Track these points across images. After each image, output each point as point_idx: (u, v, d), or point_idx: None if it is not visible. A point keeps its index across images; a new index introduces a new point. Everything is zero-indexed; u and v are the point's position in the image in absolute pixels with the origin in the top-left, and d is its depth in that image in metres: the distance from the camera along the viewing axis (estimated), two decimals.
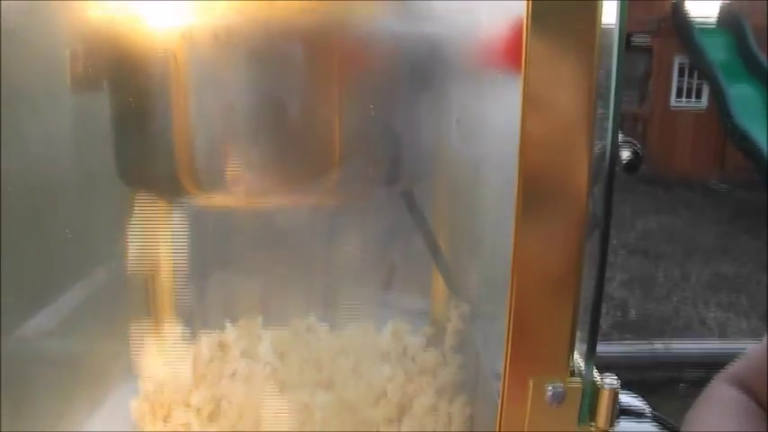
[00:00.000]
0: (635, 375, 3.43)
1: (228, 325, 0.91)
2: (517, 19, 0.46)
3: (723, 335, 4.22)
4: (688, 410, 0.92)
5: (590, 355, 0.44)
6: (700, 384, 0.91)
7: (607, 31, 0.47)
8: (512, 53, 0.48)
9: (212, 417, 0.80)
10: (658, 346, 3.85)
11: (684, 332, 4.20)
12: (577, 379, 0.43)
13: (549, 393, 0.42)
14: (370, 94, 0.56)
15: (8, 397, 0.65)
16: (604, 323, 4.04)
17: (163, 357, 0.87)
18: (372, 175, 0.59)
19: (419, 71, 0.58)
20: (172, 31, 0.52)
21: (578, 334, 0.44)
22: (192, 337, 0.91)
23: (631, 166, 0.62)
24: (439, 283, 0.92)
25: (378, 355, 0.86)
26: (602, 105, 0.46)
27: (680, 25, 7.75)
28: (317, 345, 0.88)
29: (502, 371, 0.43)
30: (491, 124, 0.66)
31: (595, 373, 0.44)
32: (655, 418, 1.05)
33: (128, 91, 0.60)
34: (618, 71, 0.46)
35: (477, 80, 0.65)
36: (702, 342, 3.99)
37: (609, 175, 0.46)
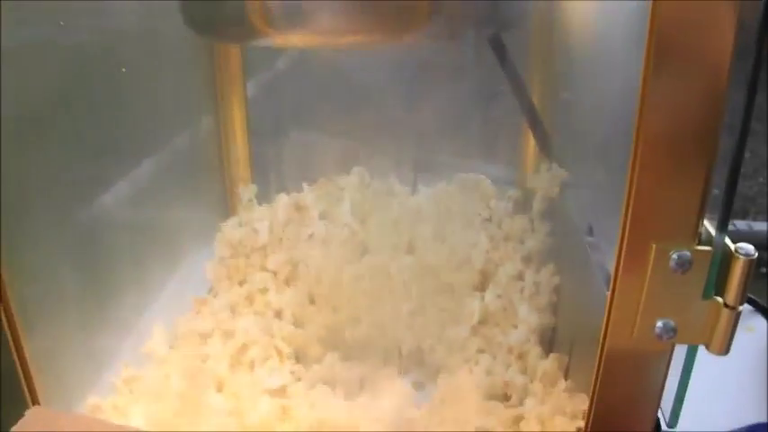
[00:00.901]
0: None
1: (306, 186, 0.88)
2: None
3: None
4: None
5: (724, 221, 0.38)
6: None
7: None
8: None
9: (289, 280, 0.78)
10: (741, 225, 3.72)
11: None
12: (707, 246, 0.37)
13: (674, 259, 0.37)
14: None
15: (87, 265, 0.63)
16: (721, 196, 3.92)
17: (239, 220, 0.85)
18: (462, 14, 0.52)
19: None
20: None
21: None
22: (269, 199, 0.88)
23: None
24: (530, 144, 0.86)
25: (462, 220, 0.82)
26: None
27: None
28: (398, 208, 0.84)
29: (619, 234, 0.38)
30: None
31: (729, 241, 0.38)
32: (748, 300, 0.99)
33: None
34: None
35: None
36: None
37: (763, 25, 0.39)
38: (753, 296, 0.99)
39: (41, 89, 0.57)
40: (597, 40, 0.61)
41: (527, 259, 0.79)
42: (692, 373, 0.43)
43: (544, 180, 0.81)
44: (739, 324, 0.39)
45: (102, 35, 0.64)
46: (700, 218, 0.38)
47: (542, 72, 0.80)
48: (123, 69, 0.67)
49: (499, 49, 0.68)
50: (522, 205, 0.87)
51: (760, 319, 0.93)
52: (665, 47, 0.35)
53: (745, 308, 0.39)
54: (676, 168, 0.37)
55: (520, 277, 0.77)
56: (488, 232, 0.82)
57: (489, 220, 0.86)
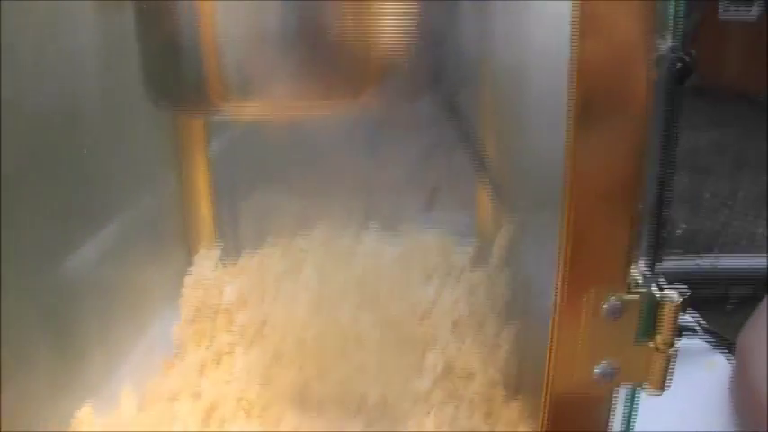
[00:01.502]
0: None
1: (268, 246, 0.90)
2: None
3: None
4: (735, 327, 0.90)
5: (651, 268, 0.41)
6: (748, 301, 0.89)
7: None
8: None
9: (255, 339, 0.79)
10: (706, 262, 3.78)
11: (733, 248, 4.13)
12: (636, 293, 0.40)
13: (606, 307, 0.40)
14: None
15: (53, 328, 0.65)
16: (649, 240, 3.99)
17: (203, 282, 0.86)
18: (414, 83, 0.55)
19: None
20: None
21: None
22: (232, 259, 0.90)
23: (683, 72, 0.57)
24: (484, 199, 0.89)
25: (423, 274, 0.84)
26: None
27: None
28: (360, 264, 0.86)
29: (555, 284, 0.41)
30: (541, 27, 0.62)
31: (656, 288, 0.41)
32: (707, 332, 1.02)
33: (151, 4, 0.57)
34: None
35: None
36: (751, 257, 3.92)
37: (671, 79, 0.42)
38: (716, 330, 1.02)
39: (5, 150, 0.58)
40: (535, 95, 0.65)
41: (488, 310, 0.82)
42: (655, 413, 0.46)
43: (500, 231, 0.84)
44: (701, 360, 0.42)
45: (65, 97, 0.66)
46: (628, 266, 0.40)
47: (493, 126, 0.84)
48: (84, 151, 0.69)
49: (453, 107, 0.71)
50: (481, 257, 0.90)
51: (720, 356, 0.96)
52: (587, 101, 0.38)
53: (706, 345, 0.42)
54: (605, 218, 0.40)
55: (480, 328, 0.79)
56: (449, 286, 0.85)
57: (449, 273, 0.88)
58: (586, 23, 0.38)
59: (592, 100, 0.38)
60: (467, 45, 0.61)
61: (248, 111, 0.55)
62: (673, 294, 0.40)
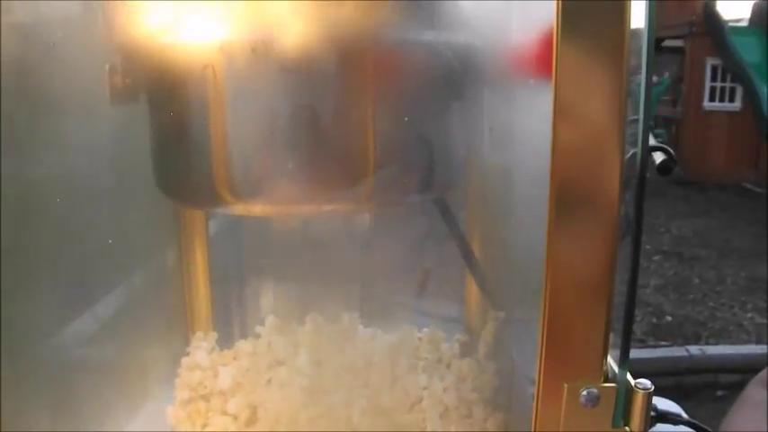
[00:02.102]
0: (671, 380, 3.40)
1: (264, 332, 0.93)
2: (547, 26, 0.46)
3: (760, 339, 4.16)
4: (725, 415, 0.92)
5: (623, 358, 0.45)
6: (737, 389, 0.91)
7: (637, 34, 0.48)
8: (542, 61, 0.49)
9: (249, 423, 0.81)
10: (694, 350, 3.81)
11: (721, 336, 4.15)
12: (611, 383, 0.43)
13: (583, 396, 0.43)
14: (403, 102, 0.57)
15: (47, 403, 0.67)
16: (639, 328, 4.01)
17: (199, 364, 0.88)
18: (406, 183, 0.60)
19: (451, 79, 0.59)
20: (210, 45, 0.54)
21: (612, 338, 0.45)
22: (230, 342, 0.92)
23: (664, 168, 0.62)
24: (473, 290, 0.93)
25: (413, 363, 0.87)
26: (632, 110, 0.46)
27: (711, 26, 7.67)
28: (352, 351, 0.89)
29: (536, 375, 0.44)
30: (523, 130, 0.67)
31: (629, 377, 0.44)
32: (690, 425, 1.04)
33: (166, 103, 0.62)
34: (648, 73, 0.47)
35: (508, 87, 0.66)
36: (739, 346, 3.94)
37: (641, 179, 0.47)
38: (698, 422, 1.04)
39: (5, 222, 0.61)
40: (520, 193, 0.69)
41: (476, 399, 0.84)
42: None
43: (488, 321, 0.87)
44: None
45: (66, 169, 0.70)
46: (603, 357, 0.44)
47: (481, 223, 0.88)
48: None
49: (442, 206, 0.76)
50: (470, 346, 0.93)
51: None
52: (562, 188, 0.42)
53: None
54: (581, 310, 0.43)
55: (469, 416, 0.81)
56: (439, 374, 0.87)
57: (439, 361, 0.91)
58: (562, 110, 0.42)
59: (567, 187, 0.43)
60: (456, 145, 0.65)
61: (252, 208, 0.59)
62: (646, 382, 0.44)
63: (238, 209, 0.60)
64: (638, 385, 0.43)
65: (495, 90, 0.67)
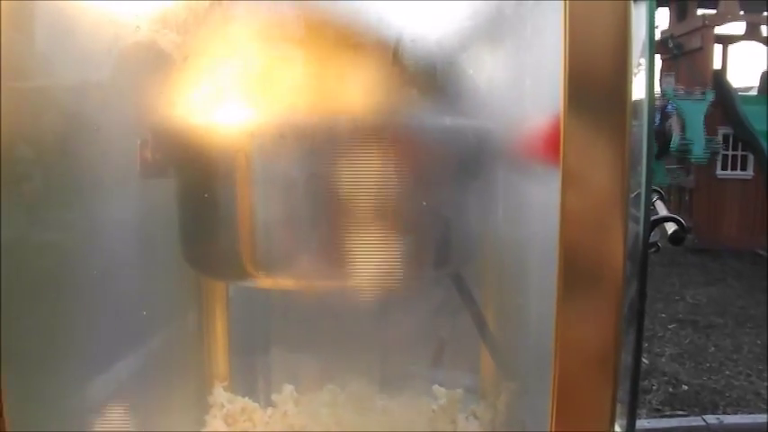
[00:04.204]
0: None
1: (280, 401, 0.94)
2: (556, 112, 0.49)
3: None
4: None
5: (631, 425, 0.46)
6: None
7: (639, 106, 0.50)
8: (551, 145, 0.52)
9: None
10: (711, 419, 3.73)
11: (738, 405, 4.07)
12: None
13: None
14: (422, 182, 0.60)
15: None
16: (655, 398, 3.95)
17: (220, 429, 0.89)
18: (423, 260, 0.62)
19: (468, 160, 0.62)
20: (241, 130, 0.57)
21: (619, 407, 0.46)
22: (245, 412, 0.93)
23: (676, 238, 0.64)
24: (487, 360, 0.94)
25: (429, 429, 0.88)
26: (636, 182, 0.48)
27: (722, 96, 7.73)
28: (368, 421, 0.90)
29: None
30: (534, 207, 0.69)
31: None
32: None
33: (194, 180, 0.65)
34: (648, 147, 0.49)
35: (521, 167, 0.68)
36: (757, 415, 3.86)
37: (643, 252, 0.48)
38: None
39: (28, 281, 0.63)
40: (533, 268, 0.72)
41: None
42: None
43: (501, 392, 0.88)
44: None
45: (92, 224, 0.72)
46: (612, 424, 0.45)
47: (497, 296, 0.90)
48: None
49: (458, 281, 0.78)
50: (485, 416, 0.93)
51: None
52: (570, 275, 0.44)
53: None
54: (587, 384, 0.45)
55: None
56: None
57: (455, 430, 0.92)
58: (569, 178, 0.45)
59: (575, 254, 0.44)
60: (472, 223, 0.68)
61: (274, 282, 0.62)
62: None
63: (261, 282, 0.62)
64: None
65: (509, 169, 0.69)
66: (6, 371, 0.58)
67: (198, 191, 0.64)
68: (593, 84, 0.47)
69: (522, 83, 0.65)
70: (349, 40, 0.55)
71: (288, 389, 0.92)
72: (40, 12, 0.61)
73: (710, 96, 7.60)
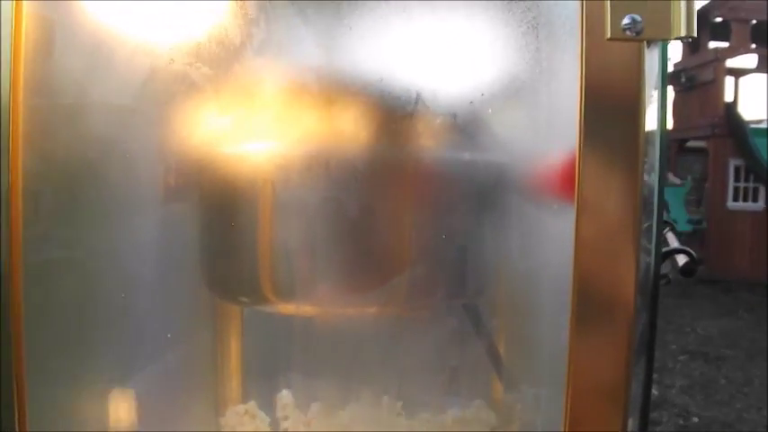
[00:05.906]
0: None
1: (293, 425, 0.95)
2: (571, 147, 0.51)
3: None
4: None
5: None
6: None
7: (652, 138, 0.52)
8: (566, 181, 0.54)
9: None
10: None
11: None
12: None
13: None
14: (439, 215, 0.62)
15: None
16: (665, 430, 3.92)
17: None
18: (439, 289, 0.64)
19: (484, 194, 0.64)
20: (268, 160, 0.59)
21: None
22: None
23: (687, 270, 0.65)
24: (499, 390, 0.95)
25: None
26: (648, 216, 0.50)
27: (733, 128, 7.75)
28: None
29: None
30: (547, 239, 0.71)
31: None
32: None
33: (220, 208, 0.67)
34: (660, 181, 0.50)
35: (536, 201, 0.70)
36: None
37: (654, 284, 0.50)
38: None
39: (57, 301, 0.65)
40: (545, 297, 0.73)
41: None
42: None
43: (513, 421, 0.89)
44: None
45: (112, 246, 0.74)
46: None
47: (509, 326, 0.91)
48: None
49: (472, 311, 0.79)
50: None
51: None
52: (583, 306, 0.46)
53: None
54: (598, 417, 0.46)
55: None
56: None
57: None
58: (583, 209, 0.46)
59: (587, 284, 0.46)
60: (485, 254, 0.69)
61: (293, 308, 0.64)
62: None
63: (280, 308, 0.64)
64: None
65: (524, 202, 0.71)
66: (30, 385, 0.60)
67: (219, 216, 0.66)
68: (608, 119, 0.48)
69: (539, 120, 0.67)
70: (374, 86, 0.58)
71: (300, 413, 0.93)
72: (80, 40, 0.63)
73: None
